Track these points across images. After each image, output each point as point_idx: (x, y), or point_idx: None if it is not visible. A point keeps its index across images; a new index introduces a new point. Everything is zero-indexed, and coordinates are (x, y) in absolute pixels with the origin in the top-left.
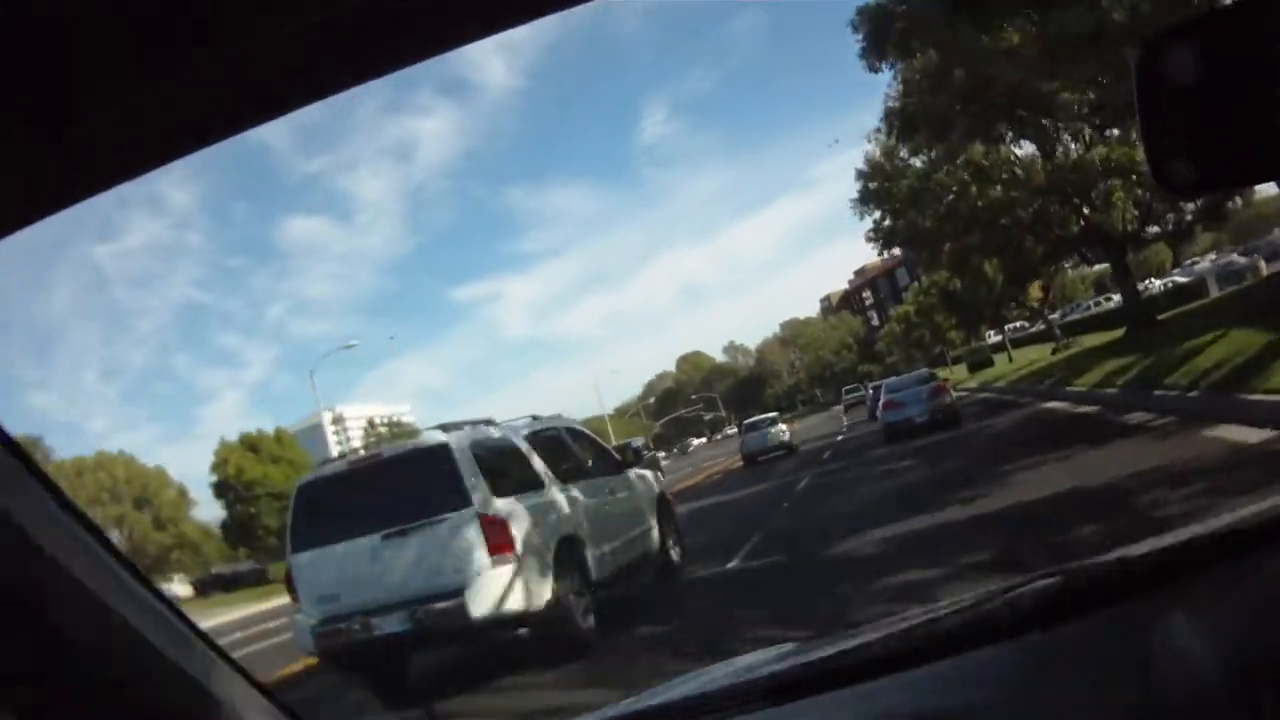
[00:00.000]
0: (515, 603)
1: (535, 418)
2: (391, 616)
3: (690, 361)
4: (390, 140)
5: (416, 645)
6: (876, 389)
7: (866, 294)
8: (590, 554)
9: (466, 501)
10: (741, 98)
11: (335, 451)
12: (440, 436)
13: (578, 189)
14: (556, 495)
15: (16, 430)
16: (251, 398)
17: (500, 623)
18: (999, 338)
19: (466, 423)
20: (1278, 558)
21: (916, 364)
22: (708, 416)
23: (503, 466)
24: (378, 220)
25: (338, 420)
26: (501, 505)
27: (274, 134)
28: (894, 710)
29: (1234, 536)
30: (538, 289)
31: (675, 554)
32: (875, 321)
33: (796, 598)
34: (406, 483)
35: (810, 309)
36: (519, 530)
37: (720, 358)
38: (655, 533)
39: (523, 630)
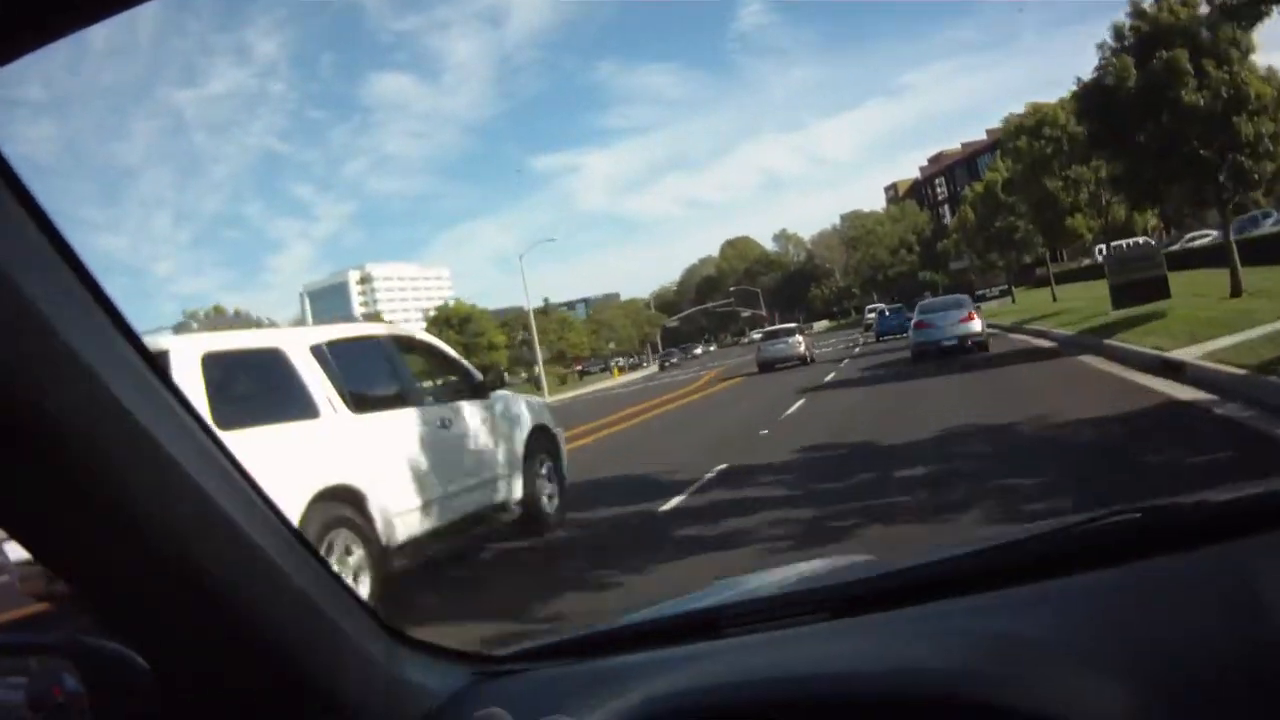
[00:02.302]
0: None
1: (348, 326)
2: None
3: (736, 248)
4: (484, 4)
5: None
6: (877, 312)
7: (939, 185)
8: (381, 508)
9: None
10: None
11: (359, 311)
12: (162, 341)
13: (669, 70)
14: (334, 428)
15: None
16: (321, 250)
17: None
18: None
19: (229, 324)
20: None
21: (993, 273)
22: (745, 314)
23: (254, 387)
24: (465, 82)
25: (365, 280)
26: (225, 441)
27: None
28: (968, 630)
29: None
30: (618, 165)
31: (549, 503)
32: (946, 219)
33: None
34: None
35: (879, 204)
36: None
37: (770, 246)
38: (516, 477)
39: None
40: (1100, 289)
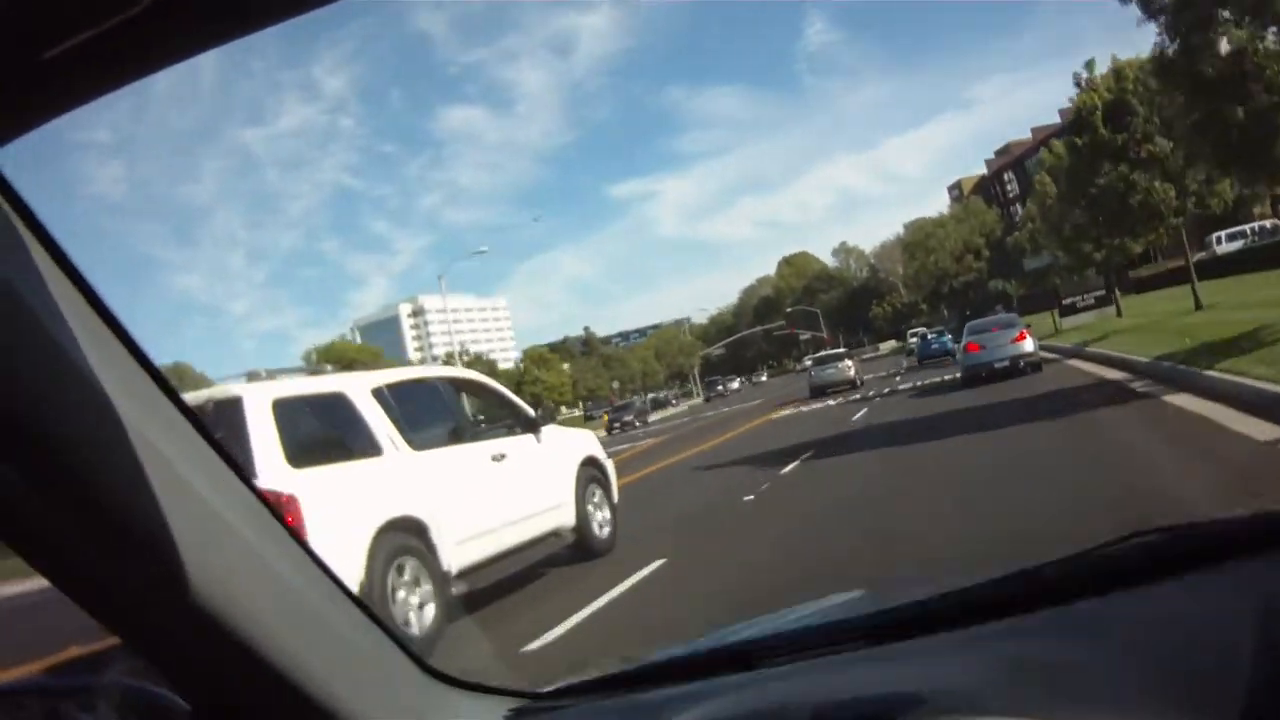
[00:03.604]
0: None
1: (408, 370)
2: None
3: (793, 265)
4: (551, 34)
5: None
6: (919, 336)
7: (1009, 180)
8: (442, 538)
9: (251, 471)
10: (904, 11)
11: (411, 345)
12: (235, 389)
13: (738, 93)
14: (395, 465)
15: (156, 314)
16: (399, 284)
17: None
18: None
19: (293, 370)
20: None
21: (1081, 276)
22: (805, 336)
23: (321, 428)
24: (536, 112)
25: (417, 312)
26: (298, 478)
27: (432, 23)
28: (999, 655)
29: None
30: (693, 189)
31: (602, 531)
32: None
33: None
34: None
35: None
36: (319, 510)
37: (830, 261)
38: (570, 507)
39: None
40: (1245, 291)
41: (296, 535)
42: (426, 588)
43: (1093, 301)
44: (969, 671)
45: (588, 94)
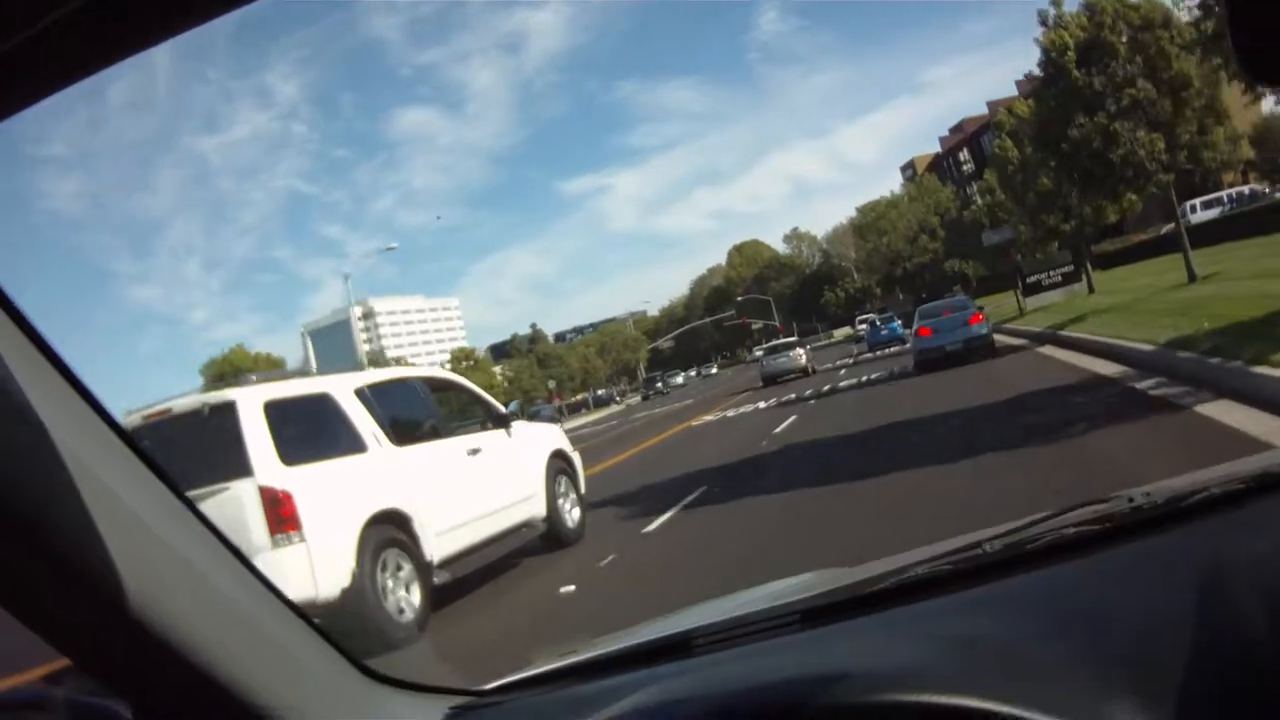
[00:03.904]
0: (298, 592)
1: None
2: None
3: (744, 253)
4: (501, 33)
5: None
6: (868, 323)
7: (964, 157)
8: (424, 529)
9: (247, 470)
10: None
11: (363, 349)
12: (229, 394)
13: (691, 85)
14: (378, 461)
15: (116, 324)
16: (354, 287)
17: None
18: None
19: (282, 374)
20: None
21: (1045, 250)
22: (756, 325)
23: (309, 428)
24: (487, 111)
25: (368, 315)
26: (292, 475)
27: (386, 27)
28: (935, 631)
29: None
30: (647, 183)
31: (571, 519)
32: (975, 196)
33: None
34: (193, 445)
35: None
36: (311, 505)
37: (782, 248)
38: (540, 498)
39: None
40: (1247, 260)
41: (225, 540)
42: (412, 578)
43: (1059, 279)
44: (906, 649)
45: (539, 91)
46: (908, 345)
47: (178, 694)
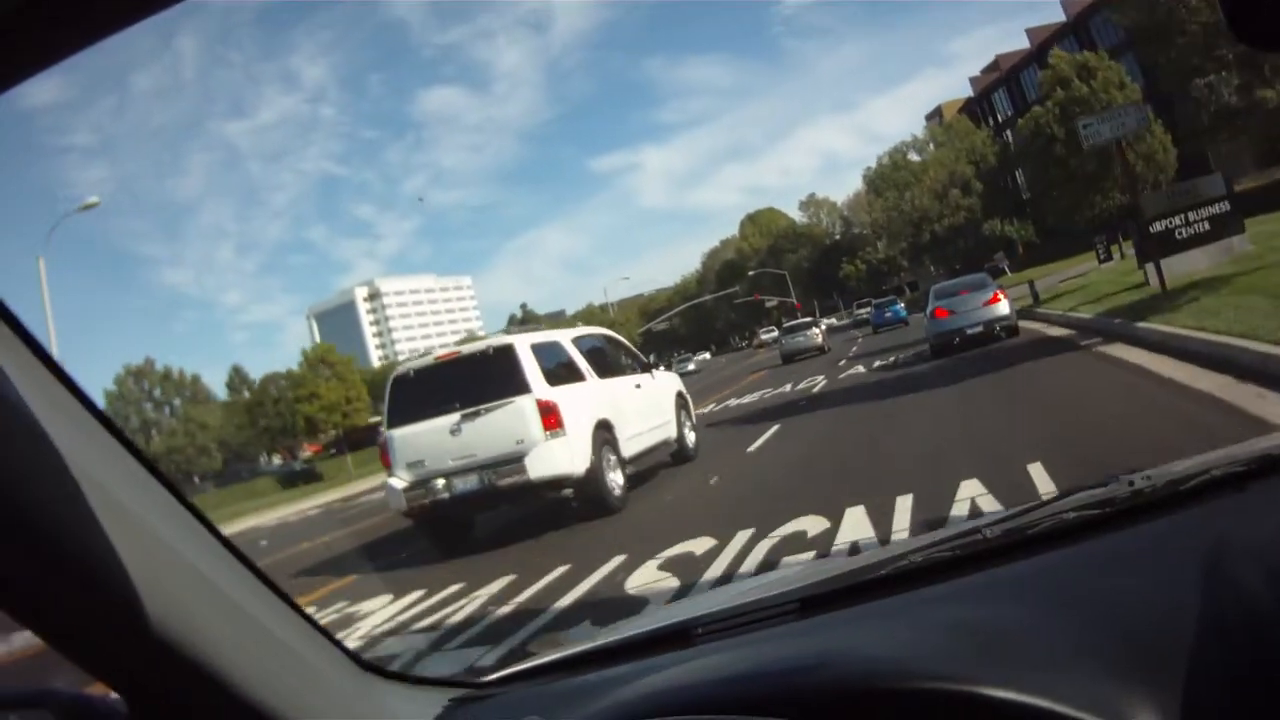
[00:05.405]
0: (562, 467)
1: (582, 329)
2: (468, 477)
3: (758, 223)
4: (526, 10)
5: (485, 501)
6: (871, 306)
7: (1001, 98)
8: (620, 435)
9: (527, 389)
10: None
11: (369, 330)
12: (507, 339)
13: (717, 60)
14: (594, 387)
15: (150, 309)
16: (389, 267)
17: (550, 483)
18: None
19: (532, 328)
20: None
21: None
22: (771, 303)
23: (554, 363)
24: (515, 90)
25: (373, 296)
26: (553, 392)
27: (408, 8)
28: (933, 618)
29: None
30: (676, 159)
31: (690, 442)
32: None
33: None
34: (481, 374)
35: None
36: (566, 411)
37: (798, 217)
38: (673, 424)
39: (567, 491)
40: None
41: (223, 536)
42: (616, 467)
43: (1204, 226)
44: (905, 636)
45: (566, 69)
46: (909, 325)
47: (175, 689)
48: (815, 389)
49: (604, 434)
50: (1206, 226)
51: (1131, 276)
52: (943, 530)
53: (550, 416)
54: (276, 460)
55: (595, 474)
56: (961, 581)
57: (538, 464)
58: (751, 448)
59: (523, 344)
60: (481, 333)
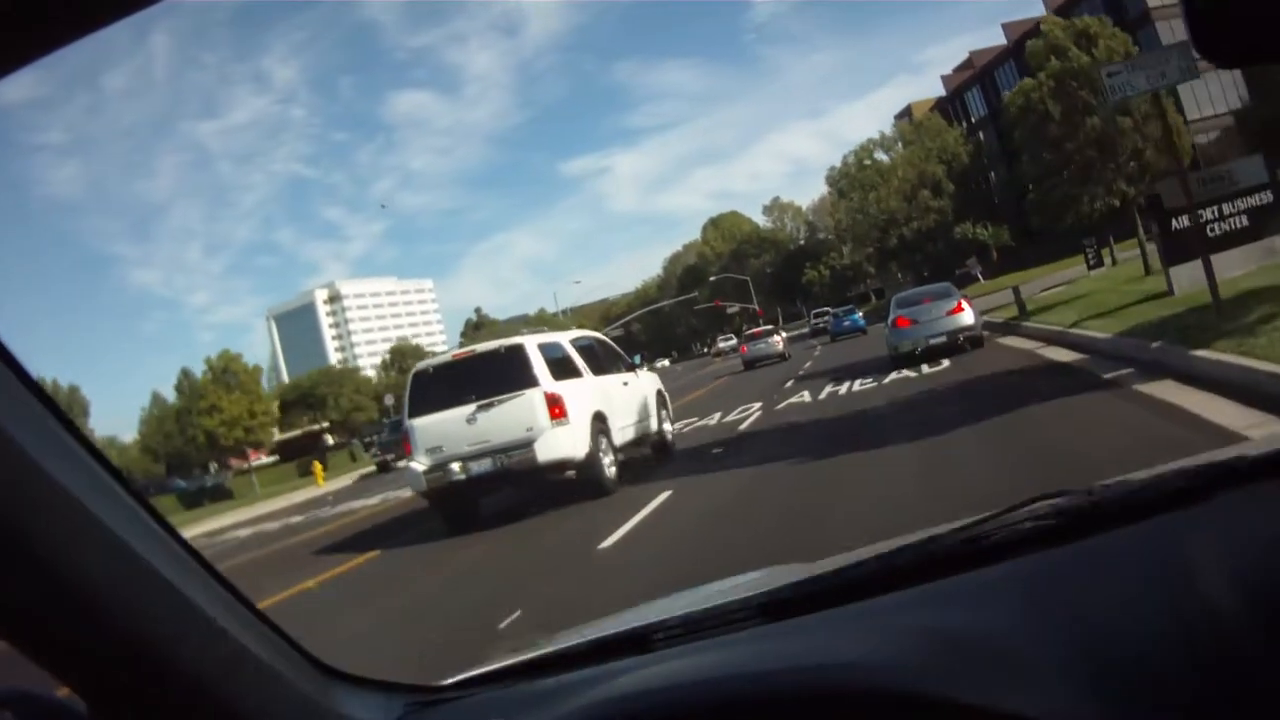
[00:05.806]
0: (566, 452)
1: (577, 331)
2: (483, 460)
3: (721, 227)
4: (498, 14)
5: (497, 482)
6: (829, 316)
7: (972, 96)
8: (612, 426)
9: (535, 383)
10: None
11: (329, 333)
12: (517, 339)
13: (689, 65)
14: (590, 383)
15: (115, 312)
16: (355, 269)
17: (555, 466)
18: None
19: (536, 329)
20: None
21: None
22: (733, 309)
23: (557, 361)
24: (486, 93)
25: (334, 298)
26: (558, 385)
27: (381, 9)
28: (893, 625)
29: (1229, 468)
30: (647, 163)
31: (669, 436)
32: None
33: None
34: (494, 369)
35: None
36: (569, 403)
37: (762, 221)
38: (655, 419)
39: (570, 473)
40: None
41: (181, 539)
42: (610, 453)
43: (1242, 221)
44: (864, 642)
45: (537, 73)
46: (867, 334)
47: (134, 691)
48: (744, 425)
49: (599, 424)
50: (1245, 221)
51: (1142, 284)
52: (900, 539)
53: (556, 407)
54: (214, 471)
55: (594, 458)
56: (919, 590)
57: (545, 449)
58: (609, 541)
59: (531, 343)
60: (442, 336)
